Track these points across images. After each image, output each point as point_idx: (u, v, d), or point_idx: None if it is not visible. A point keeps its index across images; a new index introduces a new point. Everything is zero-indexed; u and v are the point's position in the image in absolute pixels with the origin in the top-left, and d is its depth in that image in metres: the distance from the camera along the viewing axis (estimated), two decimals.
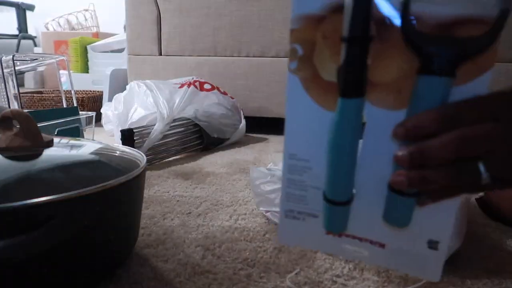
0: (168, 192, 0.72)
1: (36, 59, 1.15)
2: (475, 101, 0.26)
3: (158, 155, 0.93)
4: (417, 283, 0.42)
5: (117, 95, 1.22)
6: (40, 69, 2.17)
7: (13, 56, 0.95)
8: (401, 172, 0.28)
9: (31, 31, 3.16)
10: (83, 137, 1.03)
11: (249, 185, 0.73)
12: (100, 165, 0.47)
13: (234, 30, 1.36)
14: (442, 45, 0.26)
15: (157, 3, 1.41)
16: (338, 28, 0.27)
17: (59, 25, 2.62)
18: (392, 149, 0.28)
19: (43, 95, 1.56)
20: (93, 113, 1.08)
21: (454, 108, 0.26)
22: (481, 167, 0.26)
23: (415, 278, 0.43)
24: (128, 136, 0.86)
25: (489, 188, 0.28)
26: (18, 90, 0.97)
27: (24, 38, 2.97)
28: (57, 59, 1.17)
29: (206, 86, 1.22)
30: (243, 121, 1.21)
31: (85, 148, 0.53)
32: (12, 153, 0.43)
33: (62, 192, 0.34)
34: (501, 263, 0.48)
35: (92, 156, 0.49)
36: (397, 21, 0.26)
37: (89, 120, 1.11)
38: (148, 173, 0.82)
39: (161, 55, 1.45)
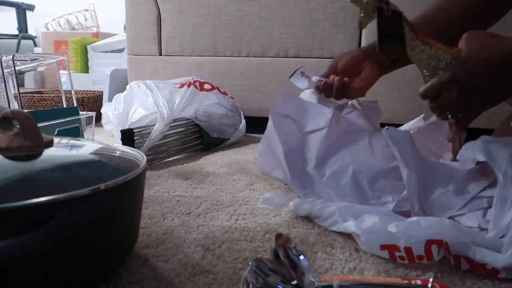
0: (168, 192, 0.72)
1: (36, 59, 1.15)
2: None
3: (158, 155, 0.93)
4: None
5: (117, 95, 1.22)
6: (40, 69, 2.17)
7: (13, 56, 0.95)
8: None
9: (31, 31, 3.16)
10: (83, 137, 1.03)
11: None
12: (100, 165, 0.47)
13: (234, 30, 1.36)
14: None
15: (157, 3, 1.41)
16: None
17: (59, 25, 2.62)
18: None
19: (43, 95, 1.56)
20: (93, 113, 1.08)
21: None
22: (449, 115, 0.59)
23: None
24: (128, 136, 0.86)
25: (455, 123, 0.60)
26: (18, 90, 0.97)
27: (24, 38, 2.97)
28: (57, 59, 1.17)
29: (206, 86, 1.22)
30: (243, 121, 1.21)
31: (85, 148, 0.53)
32: (12, 153, 0.43)
33: (62, 192, 0.34)
34: None
35: (92, 156, 0.49)
36: None
37: (89, 120, 1.11)
38: (148, 173, 0.82)
39: (161, 55, 1.45)
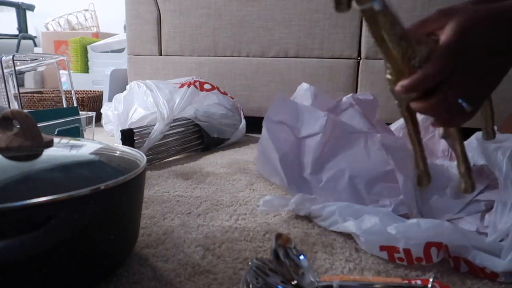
0: (168, 192, 0.72)
1: (36, 59, 1.15)
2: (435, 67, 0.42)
3: (158, 155, 0.93)
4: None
5: (117, 95, 1.22)
6: (40, 69, 2.17)
7: (13, 56, 0.95)
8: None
9: (31, 31, 3.16)
10: (83, 137, 1.03)
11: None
12: (100, 165, 0.47)
13: (234, 30, 1.36)
14: None
15: (157, 3, 1.41)
16: None
17: (59, 25, 2.62)
18: None
19: (43, 95, 1.56)
20: (93, 113, 1.08)
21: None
22: (463, 103, 0.42)
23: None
24: (128, 136, 0.86)
25: (472, 114, 0.44)
26: (18, 90, 0.97)
27: (24, 38, 2.97)
28: (57, 59, 1.17)
29: (206, 86, 1.22)
30: (243, 121, 1.21)
31: (85, 148, 0.53)
32: (12, 153, 0.43)
33: (62, 192, 0.34)
34: None
35: (92, 156, 0.49)
36: None
37: (89, 120, 1.11)
38: (148, 173, 0.82)
39: (161, 55, 1.45)
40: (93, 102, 1.55)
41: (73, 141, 0.54)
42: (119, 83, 1.62)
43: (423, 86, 0.43)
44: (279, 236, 0.39)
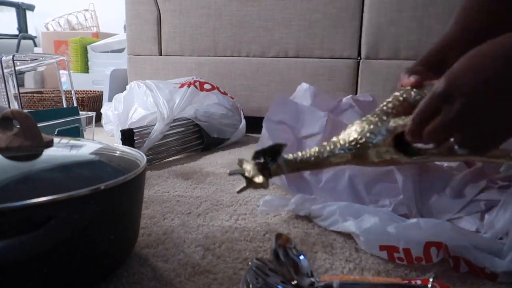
0: (168, 192, 0.72)
1: (36, 59, 1.15)
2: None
3: (158, 155, 0.93)
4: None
5: (117, 95, 1.22)
6: (40, 69, 2.17)
7: (13, 56, 0.95)
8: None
9: (31, 31, 3.16)
10: (83, 137, 1.03)
11: None
12: (100, 165, 0.47)
13: (234, 30, 1.36)
14: None
15: (157, 3, 1.41)
16: None
17: (59, 25, 2.62)
18: None
19: (43, 95, 1.56)
20: (93, 113, 1.08)
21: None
22: (455, 145, 0.42)
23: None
24: (128, 136, 0.86)
25: (466, 155, 0.43)
26: (18, 90, 0.97)
27: (24, 38, 2.97)
28: (57, 59, 1.17)
29: (206, 86, 1.22)
30: (243, 121, 1.21)
31: (85, 148, 0.53)
32: (12, 153, 0.43)
33: (62, 192, 0.34)
34: None
35: (92, 156, 0.49)
36: None
37: (89, 120, 1.11)
38: (148, 173, 0.82)
39: (161, 55, 1.45)
40: (93, 102, 1.55)
41: (73, 141, 0.54)
42: (119, 83, 1.62)
43: (417, 134, 0.43)
44: (279, 236, 0.39)
